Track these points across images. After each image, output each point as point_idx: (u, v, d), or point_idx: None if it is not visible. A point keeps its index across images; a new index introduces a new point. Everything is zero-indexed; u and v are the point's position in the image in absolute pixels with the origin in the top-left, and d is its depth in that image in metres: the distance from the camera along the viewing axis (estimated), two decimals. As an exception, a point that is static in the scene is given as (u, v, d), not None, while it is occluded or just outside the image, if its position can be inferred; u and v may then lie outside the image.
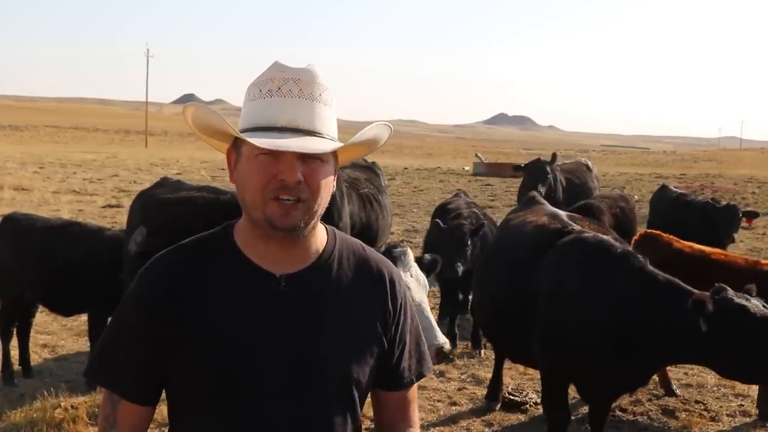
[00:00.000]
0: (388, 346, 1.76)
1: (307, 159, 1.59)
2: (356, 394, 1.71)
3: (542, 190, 9.63)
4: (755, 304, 3.85)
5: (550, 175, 10.32)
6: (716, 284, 3.98)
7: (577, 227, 4.77)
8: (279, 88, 1.60)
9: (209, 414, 1.63)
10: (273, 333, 1.62)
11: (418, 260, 4.32)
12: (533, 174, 10.28)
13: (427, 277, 4.26)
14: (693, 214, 8.88)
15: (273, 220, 1.59)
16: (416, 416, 1.89)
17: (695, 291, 4.00)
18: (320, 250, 1.71)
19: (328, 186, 1.65)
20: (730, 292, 3.90)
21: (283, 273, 1.65)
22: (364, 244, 1.83)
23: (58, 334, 7.27)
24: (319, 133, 1.61)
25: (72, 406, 5.25)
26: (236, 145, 1.66)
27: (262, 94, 1.62)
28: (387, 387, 1.81)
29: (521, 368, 6.15)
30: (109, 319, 6.02)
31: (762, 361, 3.85)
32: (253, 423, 1.62)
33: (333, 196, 1.70)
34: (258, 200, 1.60)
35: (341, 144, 1.65)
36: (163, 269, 1.68)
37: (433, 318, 3.51)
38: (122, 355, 1.66)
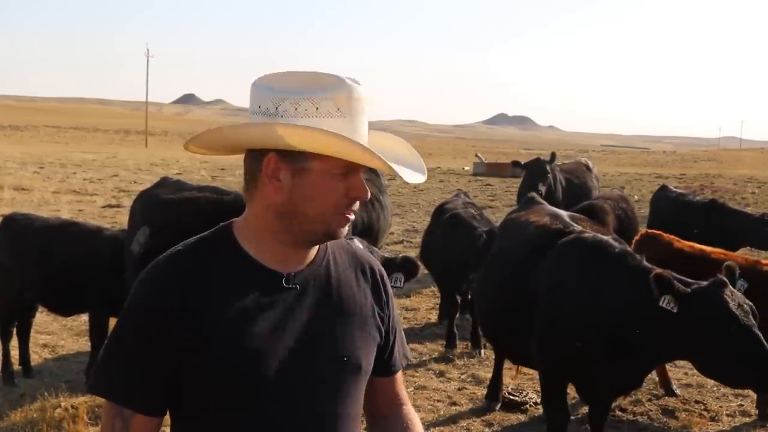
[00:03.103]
0: (385, 335, 1.83)
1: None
2: (362, 385, 1.77)
3: (542, 189, 9.62)
4: (747, 311, 3.89)
5: (549, 175, 10.30)
6: (718, 276, 4.01)
7: (578, 227, 4.78)
8: (334, 107, 1.59)
9: (231, 419, 1.61)
10: (290, 332, 1.64)
11: (391, 260, 4.33)
12: (533, 173, 10.26)
13: (404, 280, 4.28)
14: (696, 214, 8.89)
15: (335, 233, 1.66)
16: (405, 394, 1.99)
17: (690, 281, 4.04)
18: (316, 248, 1.75)
19: None
20: (728, 291, 3.91)
21: (290, 272, 1.67)
22: (347, 239, 1.89)
23: (58, 334, 7.27)
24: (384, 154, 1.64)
25: (72, 406, 5.25)
26: (291, 155, 1.61)
27: (341, 113, 1.59)
28: (383, 374, 1.88)
29: (522, 368, 6.15)
30: (110, 319, 6.00)
31: (734, 365, 3.92)
32: (278, 423, 1.62)
33: None
34: (327, 215, 1.63)
35: (424, 177, 1.74)
36: (169, 275, 1.64)
37: None
38: (132, 367, 1.61)
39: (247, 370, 1.60)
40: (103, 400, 1.67)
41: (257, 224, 1.68)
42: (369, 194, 1.66)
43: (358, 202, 1.68)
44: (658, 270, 3.96)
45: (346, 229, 1.68)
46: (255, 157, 1.65)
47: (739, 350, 3.85)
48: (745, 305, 3.92)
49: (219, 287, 1.63)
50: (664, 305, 3.87)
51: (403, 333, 1.96)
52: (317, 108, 1.58)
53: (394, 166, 1.61)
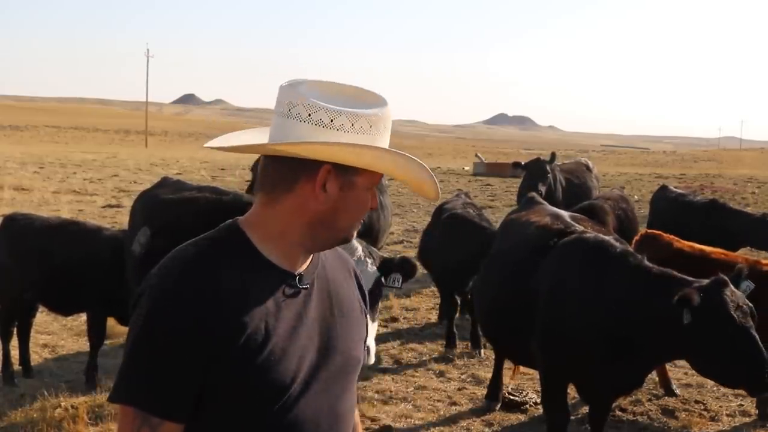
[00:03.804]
0: (367, 330, 1.91)
1: None
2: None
3: (542, 189, 9.62)
4: (745, 312, 3.91)
5: (550, 175, 10.30)
6: (720, 275, 4.01)
7: (579, 227, 4.78)
8: (381, 126, 1.68)
9: (253, 420, 1.62)
10: (304, 332, 1.67)
11: (389, 261, 4.34)
12: (533, 173, 10.25)
13: (402, 281, 4.30)
14: (696, 214, 8.89)
15: (351, 238, 1.76)
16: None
17: (690, 279, 4.05)
18: None
19: None
20: (727, 291, 3.91)
21: (299, 272, 1.70)
22: None
23: (58, 334, 7.28)
24: None
25: (72, 406, 5.24)
26: (344, 169, 1.65)
27: (386, 129, 1.69)
28: None
29: (521, 368, 6.15)
30: (107, 319, 5.98)
31: (729, 366, 3.95)
32: (297, 421, 1.64)
33: None
34: (353, 225, 1.73)
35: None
36: (195, 280, 1.60)
37: None
38: (162, 373, 1.57)
39: (273, 372, 1.60)
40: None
41: (278, 227, 1.68)
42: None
43: None
44: (681, 293, 3.87)
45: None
46: (295, 164, 1.64)
47: (733, 351, 3.87)
48: (744, 306, 3.92)
49: (243, 290, 1.62)
50: (687, 320, 3.85)
51: None
52: (371, 126, 1.64)
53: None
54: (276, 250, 1.68)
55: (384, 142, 1.67)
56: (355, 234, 1.76)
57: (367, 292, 1.97)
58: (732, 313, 3.85)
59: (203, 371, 1.57)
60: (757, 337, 3.89)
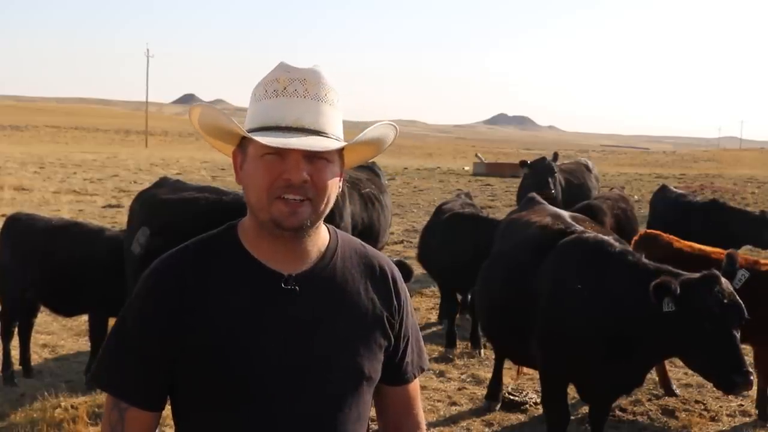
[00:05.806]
0: (394, 341, 1.78)
1: (313, 158, 1.60)
2: (366, 391, 1.72)
3: (551, 188, 9.63)
4: (730, 309, 3.91)
5: (557, 174, 10.32)
6: (712, 270, 4.03)
7: (579, 228, 4.78)
8: (285, 89, 1.61)
9: (224, 416, 1.62)
10: (285, 332, 1.62)
11: None
12: (540, 172, 10.20)
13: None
14: (696, 214, 8.89)
15: (279, 220, 1.60)
16: (422, 416, 1.91)
17: (684, 273, 4.06)
18: (323, 249, 1.72)
19: (334, 186, 1.65)
20: (715, 288, 3.92)
21: (291, 272, 1.65)
22: (363, 242, 1.85)
23: (58, 334, 7.28)
24: (324, 133, 1.61)
25: (72, 406, 5.25)
26: (242, 145, 1.66)
27: (267, 95, 1.62)
28: (391, 382, 1.82)
29: (522, 368, 6.15)
30: (109, 320, 5.97)
31: (704, 361, 4.00)
32: (268, 424, 1.61)
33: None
34: (263, 200, 1.60)
35: (346, 143, 1.66)
36: (170, 273, 1.65)
37: None
38: (129, 361, 1.63)
39: (238, 370, 1.59)
40: (104, 400, 1.67)
41: (249, 221, 1.70)
42: (302, 175, 1.57)
43: (313, 188, 1.60)
44: (656, 280, 3.92)
45: (299, 218, 1.60)
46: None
47: (709, 348, 3.90)
48: (731, 303, 3.91)
49: (216, 286, 1.63)
50: (667, 309, 3.88)
51: (422, 342, 1.90)
52: (266, 91, 1.64)
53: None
54: (261, 246, 1.67)
55: (295, 104, 1.60)
56: (284, 214, 1.59)
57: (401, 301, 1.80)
58: (713, 310, 3.86)
59: (169, 362, 1.61)
60: (737, 336, 3.90)
